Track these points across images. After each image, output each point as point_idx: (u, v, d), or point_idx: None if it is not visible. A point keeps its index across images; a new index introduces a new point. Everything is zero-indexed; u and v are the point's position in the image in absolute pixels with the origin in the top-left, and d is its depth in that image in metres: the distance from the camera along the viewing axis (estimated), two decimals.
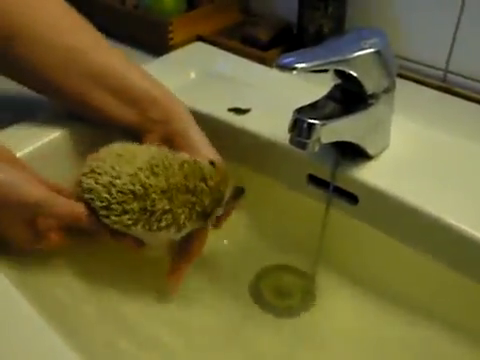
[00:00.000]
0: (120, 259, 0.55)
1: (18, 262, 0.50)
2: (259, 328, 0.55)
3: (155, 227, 0.48)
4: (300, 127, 0.47)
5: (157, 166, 0.48)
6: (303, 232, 0.59)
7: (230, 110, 0.64)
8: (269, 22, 0.81)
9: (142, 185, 0.47)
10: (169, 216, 0.47)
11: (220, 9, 0.85)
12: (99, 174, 0.49)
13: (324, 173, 0.56)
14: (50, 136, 0.59)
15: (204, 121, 0.58)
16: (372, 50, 0.48)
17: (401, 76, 0.73)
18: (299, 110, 0.48)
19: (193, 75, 0.71)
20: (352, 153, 0.55)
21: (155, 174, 0.47)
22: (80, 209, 0.49)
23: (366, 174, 0.54)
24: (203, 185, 0.48)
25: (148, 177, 0.47)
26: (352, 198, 0.56)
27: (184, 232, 0.50)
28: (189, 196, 0.47)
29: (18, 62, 0.56)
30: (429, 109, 0.67)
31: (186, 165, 0.48)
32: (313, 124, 0.46)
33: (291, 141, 0.48)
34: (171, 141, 0.54)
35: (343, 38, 0.50)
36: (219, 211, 0.50)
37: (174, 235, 0.50)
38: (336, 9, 0.72)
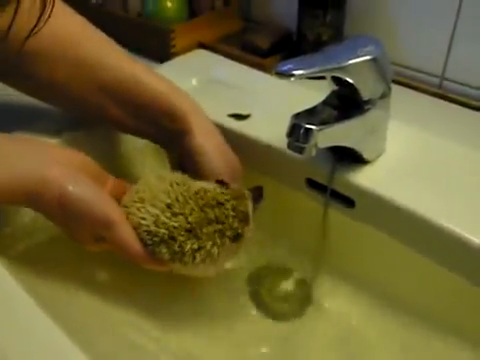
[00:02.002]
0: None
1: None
2: (255, 330, 0.56)
3: (191, 264, 0.48)
4: (297, 132, 0.48)
5: (174, 205, 0.48)
6: (302, 235, 0.60)
7: (230, 116, 0.65)
8: (269, 30, 0.82)
9: (167, 228, 0.47)
10: (202, 252, 0.47)
11: (221, 17, 0.86)
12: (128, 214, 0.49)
13: (322, 177, 0.57)
14: None
15: None
16: (368, 57, 0.49)
17: (398, 83, 0.74)
18: (297, 115, 0.49)
19: (194, 82, 0.73)
20: (349, 158, 0.56)
21: (175, 214, 0.48)
22: (136, 249, 0.48)
23: (362, 178, 0.55)
24: (223, 210, 0.48)
25: (170, 218, 0.47)
26: (349, 202, 0.57)
27: (222, 261, 0.50)
28: (214, 226, 0.48)
29: (30, 76, 0.56)
30: (425, 115, 0.68)
31: (199, 197, 0.48)
32: (310, 129, 0.48)
33: (289, 146, 0.49)
34: (188, 156, 0.55)
35: (340, 46, 0.51)
36: (249, 227, 0.50)
37: (213, 266, 0.50)
38: (334, 17, 0.74)
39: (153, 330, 0.55)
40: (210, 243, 0.47)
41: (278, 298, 0.60)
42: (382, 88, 0.52)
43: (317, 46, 0.75)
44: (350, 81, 0.49)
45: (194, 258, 0.47)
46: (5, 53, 0.53)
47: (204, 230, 0.47)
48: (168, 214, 0.47)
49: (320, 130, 0.48)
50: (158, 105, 0.55)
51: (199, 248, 0.47)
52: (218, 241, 0.48)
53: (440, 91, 0.73)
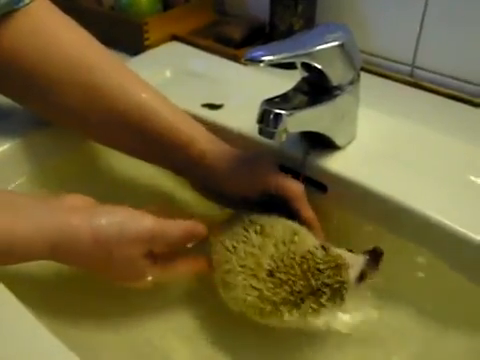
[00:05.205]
0: None
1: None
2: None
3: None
4: (267, 117, 0.48)
5: (280, 271, 0.47)
6: None
7: (204, 106, 0.66)
8: (242, 21, 0.83)
9: (272, 304, 0.47)
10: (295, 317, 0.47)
11: (194, 9, 0.86)
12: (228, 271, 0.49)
13: (295, 164, 0.58)
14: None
15: None
16: (335, 43, 0.49)
17: (370, 72, 0.75)
18: (267, 101, 0.49)
19: (168, 73, 0.73)
20: (321, 145, 0.57)
21: (279, 285, 0.47)
22: (190, 225, 0.49)
23: (334, 164, 0.56)
24: (321, 277, 0.46)
25: (273, 290, 0.47)
26: (322, 187, 0.57)
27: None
28: (315, 294, 0.46)
29: (45, 103, 0.56)
30: (397, 102, 0.70)
31: (304, 261, 0.47)
32: (280, 114, 0.48)
33: (260, 132, 0.49)
34: (206, 179, 0.55)
35: (310, 33, 0.52)
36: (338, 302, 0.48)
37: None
38: (306, 8, 0.75)
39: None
40: (309, 311, 0.47)
41: None
42: (351, 74, 0.53)
43: (289, 36, 0.75)
44: (318, 67, 0.50)
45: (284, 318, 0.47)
46: None
47: (306, 301, 0.46)
48: (271, 285, 0.47)
49: (290, 115, 0.48)
50: (161, 134, 0.55)
51: (297, 315, 0.47)
52: (313, 306, 0.47)
53: (411, 79, 0.74)
